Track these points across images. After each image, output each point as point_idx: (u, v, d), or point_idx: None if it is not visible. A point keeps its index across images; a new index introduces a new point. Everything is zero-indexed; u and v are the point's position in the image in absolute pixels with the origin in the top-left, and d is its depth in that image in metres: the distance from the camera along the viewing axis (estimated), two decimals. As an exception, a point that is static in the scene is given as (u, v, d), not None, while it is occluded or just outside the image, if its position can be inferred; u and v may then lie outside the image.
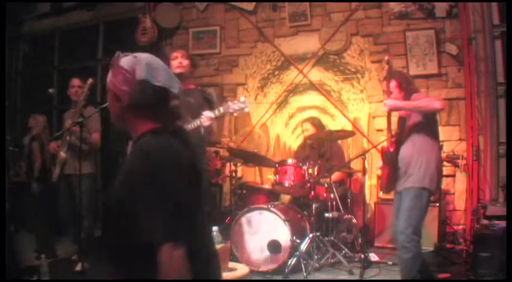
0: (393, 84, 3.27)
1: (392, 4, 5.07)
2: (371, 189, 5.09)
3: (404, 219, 3.06)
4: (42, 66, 7.08)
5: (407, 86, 3.27)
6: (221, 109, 3.17)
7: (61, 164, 4.21)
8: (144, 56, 1.46)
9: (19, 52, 7.19)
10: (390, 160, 3.23)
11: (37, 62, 7.14)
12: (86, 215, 4.13)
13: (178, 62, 3.43)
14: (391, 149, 3.23)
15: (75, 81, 4.37)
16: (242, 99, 3.19)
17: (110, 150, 6.55)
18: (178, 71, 3.37)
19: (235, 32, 5.84)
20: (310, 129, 4.84)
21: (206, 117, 3.16)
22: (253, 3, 5.69)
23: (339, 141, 4.95)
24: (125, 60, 1.44)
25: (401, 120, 3.31)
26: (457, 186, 4.80)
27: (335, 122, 5.32)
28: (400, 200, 3.20)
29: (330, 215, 4.26)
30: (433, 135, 3.17)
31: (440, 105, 3.05)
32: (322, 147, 4.71)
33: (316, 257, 3.95)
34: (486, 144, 4.60)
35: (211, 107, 3.29)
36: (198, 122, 3.17)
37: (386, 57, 3.27)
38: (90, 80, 4.12)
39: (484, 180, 4.57)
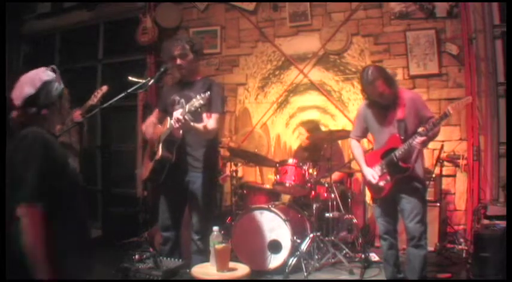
0: (380, 82, 3.11)
1: (392, 4, 5.07)
2: (371, 189, 5.08)
3: (419, 219, 3.12)
4: (42, 66, 7.05)
5: (393, 83, 3.20)
6: (186, 108, 2.89)
7: None
8: None
9: (19, 52, 7.18)
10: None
11: (37, 62, 7.11)
12: None
13: (178, 65, 3.25)
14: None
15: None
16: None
17: (109, 148, 6.60)
18: (182, 73, 3.30)
19: (236, 32, 5.84)
20: (303, 134, 4.98)
21: (175, 118, 2.94)
22: (254, 3, 5.69)
23: (339, 142, 4.96)
24: None
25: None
26: (458, 186, 4.80)
27: (335, 122, 5.32)
28: (398, 200, 3.20)
29: (331, 215, 4.28)
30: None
31: None
32: (318, 150, 4.72)
33: (316, 257, 3.96)
34: (486, 144, 4.59)
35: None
36: (171, 124, 3.00)
37: None
38: (105, 87, 4.10)
39: (484, 180, 4.57)
